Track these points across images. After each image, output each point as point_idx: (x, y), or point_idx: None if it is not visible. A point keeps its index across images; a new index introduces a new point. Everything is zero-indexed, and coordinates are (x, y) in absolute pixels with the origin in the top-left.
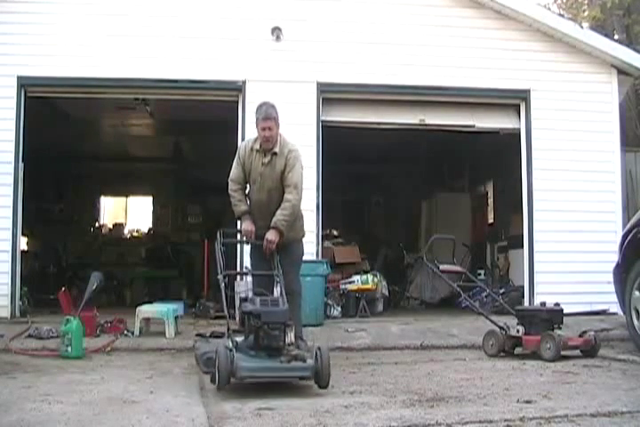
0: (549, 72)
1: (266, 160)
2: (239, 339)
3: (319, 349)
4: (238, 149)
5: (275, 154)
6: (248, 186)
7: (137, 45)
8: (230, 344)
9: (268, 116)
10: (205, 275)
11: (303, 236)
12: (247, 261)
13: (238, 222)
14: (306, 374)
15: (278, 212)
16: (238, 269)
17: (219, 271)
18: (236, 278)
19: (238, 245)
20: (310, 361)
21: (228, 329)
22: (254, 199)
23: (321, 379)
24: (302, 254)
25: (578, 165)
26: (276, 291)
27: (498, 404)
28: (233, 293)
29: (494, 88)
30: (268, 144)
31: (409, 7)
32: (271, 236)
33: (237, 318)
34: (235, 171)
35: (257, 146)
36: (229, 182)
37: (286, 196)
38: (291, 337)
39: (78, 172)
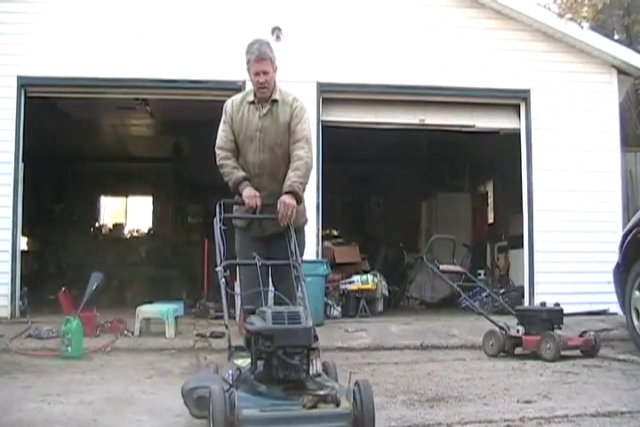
0: (549, 72)
1: (265, 110)
2: (243, 362)
3: (358, 385)
4: (224, 108)
5: (275, 102)
6: (241, 153)
7: (137, 45)
8: (230, 377)
9: (262, 55)
10: (205, 275)
11: (306, 222)
12: None
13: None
14: (340, 424)
15: (290, 174)
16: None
17: (217, 261)
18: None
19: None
20: (346, 404)
21: (229, 347)
22: (252, 162)
23: None
24: (305, 245)
25: (578, 165)
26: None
27: (498, 404)
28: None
29: (494, 88)
30: (264, 92)
31: (409, 7)
32: (288, 199)
33: (237, 319)
34: (221, 135)
35: (250, 97)
36: (216, 151)
37: (297, 152)
38: (317, 366)
39: (78, 172)
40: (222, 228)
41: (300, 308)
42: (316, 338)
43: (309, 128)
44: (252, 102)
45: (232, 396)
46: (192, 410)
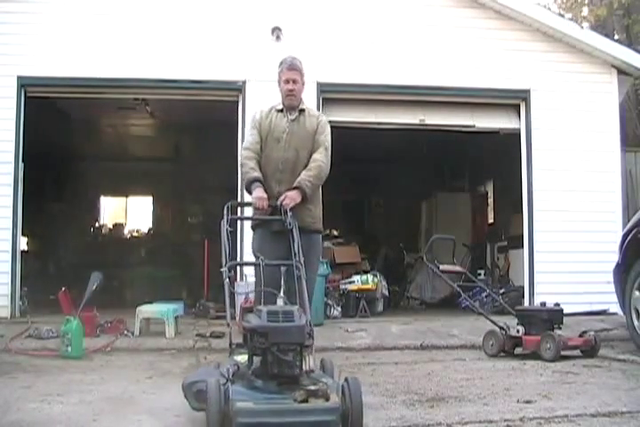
0: (549, 72)
1: (292, 117)
2: (242, 358)
3: (347, 381)
4: (252, 117)
5: (302, 111)
6: (265, 152)
7: (137, 45)
8: (227, 372)
9: (293, 66)
10: (206, 275)
11: (320, 231)
12: (248, 254)
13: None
14: (329, 417)
15: (304, 172)
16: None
17: (222, 262)
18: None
19: (239, 232)
20: (336, 399)
21: (231, 344)
22: (276, 159)
23: (351, 426)
24: (321, 250)
25: (578, 164)
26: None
27: (498, 404)
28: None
29: (494, 88)
30: (293, 100)
31: (409, 7)
32: (291, 193)
33: (237, 318)
34: (249, 138)
35: (279, 107)
36: (243, 151)
37: (315, 156)
38: (309, 363)
39: (78, 172)
40: (229, 229)
41: (295, 307)
42: (309, 336)
43: (330, 140)
44: (281, 111)
45: (227, 389)
46: (191, 403)
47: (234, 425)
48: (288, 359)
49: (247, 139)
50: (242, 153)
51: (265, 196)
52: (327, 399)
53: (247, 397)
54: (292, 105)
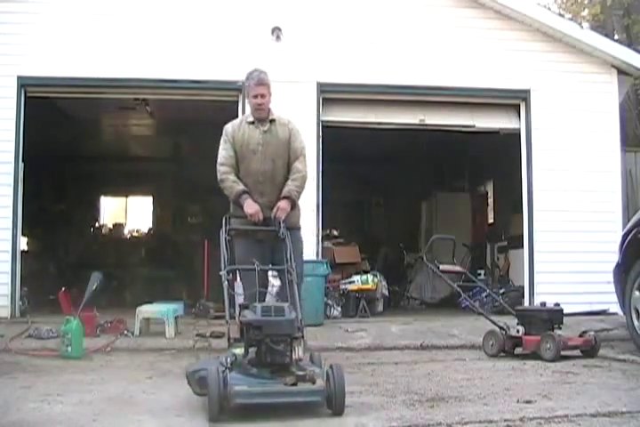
0: (549, 72)
1: (265, 128)
2: (240, 350)
3: (331, 367)
4: (224, 131)
5: (273, 121)
6: (243, 165)
7: (137, 45)
8: (225, 361)
9: (260, 81)
10: (205, 275)
11: (299, 228)
12: None
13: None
14: (315, 398)
15: (289, 182)
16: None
17: (222, 266)
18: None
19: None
20: (321, 383)
21: (229, 339)
22: (255, 171)
23: (334, 405)
24: (303, 244)
25: (578, 164)
26: (273, 289)
27: (498, 404)
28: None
29: (494, 88)
30: (262, 113)
31: (409, 7)
32: (283, 204)
33: (237, 319)
34: (223, 153)
35: (250, 119)
36: (219, 167)
37: (296, 165)
38: (299, 352)
39: (78, 172)
40: (227, 238)
41: (286, 303)
42: (299, 329)
43: (304, 145)
44: (252, 122)
45: (225, 376)
46: (194, 389)
47: (231, 406)
48: (280, 349)
49: (221, 153)
50: (219, 169)
51: (259, 208)
52: (314, 383)
53: (243, 382)
54: (261, 117)
